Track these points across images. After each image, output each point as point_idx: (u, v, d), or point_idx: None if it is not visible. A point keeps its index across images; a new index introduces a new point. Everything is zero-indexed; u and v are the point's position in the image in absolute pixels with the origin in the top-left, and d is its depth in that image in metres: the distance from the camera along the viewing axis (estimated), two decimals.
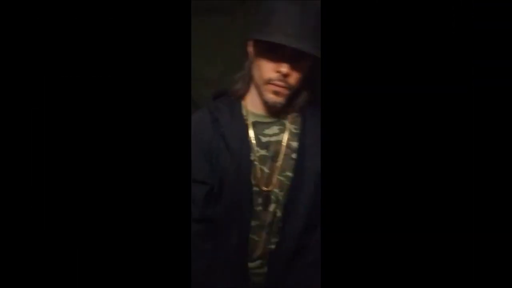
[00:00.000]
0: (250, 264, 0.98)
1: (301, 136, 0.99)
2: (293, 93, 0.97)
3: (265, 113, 1.00)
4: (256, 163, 0.96)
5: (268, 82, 0.93)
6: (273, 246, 0.97)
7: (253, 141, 0.98)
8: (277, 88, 0.93)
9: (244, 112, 1.00)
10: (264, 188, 0.96)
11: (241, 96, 1.02)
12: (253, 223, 0.96)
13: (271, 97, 0.94)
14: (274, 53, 0.91)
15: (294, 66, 0.91)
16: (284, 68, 0.90)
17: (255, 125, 0.99)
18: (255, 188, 0.96)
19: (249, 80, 0.99)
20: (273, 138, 0.99)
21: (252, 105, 1.01)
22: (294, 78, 0.93)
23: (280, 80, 0.92)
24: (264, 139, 0.98)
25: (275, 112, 1.00)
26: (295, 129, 1.00)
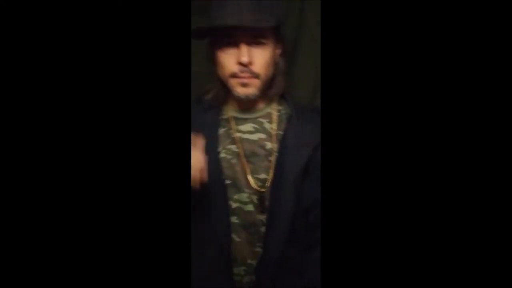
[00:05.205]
0: (234, 270, 0.92)
1: (281, 137, 0.94)
2: (268, 82, 0.93)
3: (241, 108, 0.96)
4: (228, 157, 0.93)
5: (233, 76, 0.89)
6: (258, 249, 0.92)
7: (224, 135, 0.94)
8: (243, 80, 0.89)
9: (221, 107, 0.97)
10: (241, 186, 0.92)
11: (222, 102, 0.97)
12: (233, 220, 0.92)
13: (240, 91, 0.90)
14: (230, 43, 0.87)
15: (255, 53, 0.88)
16: (244, 57, 0.86)
17: (230, 120, 0.96)
18: (228, 181, 0.92)
19: (222, 83, 0.94)
20: (246, 136, 0.95)
21: (232, 100, 0.97)
22: (259, 65, 0.89)
23: (243, 71, 0.88)
24: (236, 135, 0.94)
25: (253, 108, 0.96)
26: (271, 129, 0.95)
